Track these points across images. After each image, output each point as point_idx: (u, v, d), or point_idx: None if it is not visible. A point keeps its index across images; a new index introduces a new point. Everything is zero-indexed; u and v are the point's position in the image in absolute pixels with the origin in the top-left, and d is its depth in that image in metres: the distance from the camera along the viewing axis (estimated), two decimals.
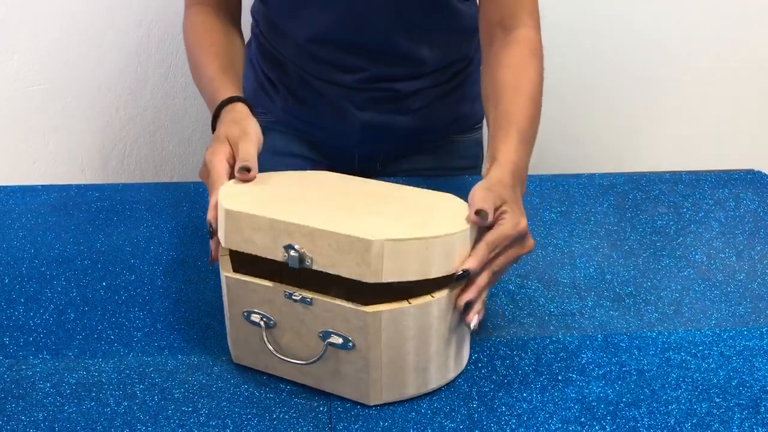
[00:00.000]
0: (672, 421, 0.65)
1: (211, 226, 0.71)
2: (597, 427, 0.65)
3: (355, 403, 0.67)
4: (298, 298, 0.64)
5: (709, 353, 0.73)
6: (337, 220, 0.64)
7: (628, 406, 0.67)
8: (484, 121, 1.07)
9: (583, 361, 0.72)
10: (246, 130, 0.77)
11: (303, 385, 0.69)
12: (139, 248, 0.88)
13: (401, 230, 0.63)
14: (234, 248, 0.67)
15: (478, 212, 0.66)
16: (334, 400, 0.67)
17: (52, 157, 1.41)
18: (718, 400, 0.68)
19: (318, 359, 0.65)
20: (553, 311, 0.79)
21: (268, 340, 0.66)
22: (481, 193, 0.68)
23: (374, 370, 0.65)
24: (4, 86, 1.35)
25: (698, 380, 0.70)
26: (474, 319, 0.65)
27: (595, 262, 0.87)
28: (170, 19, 1.35)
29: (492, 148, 0.76)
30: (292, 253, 0.63)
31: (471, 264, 0.65)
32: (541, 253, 0.89)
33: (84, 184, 1.01)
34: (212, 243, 0.72)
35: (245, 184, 0.72)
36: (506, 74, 0.81)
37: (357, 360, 0.65)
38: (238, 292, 0.67)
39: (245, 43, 1.09)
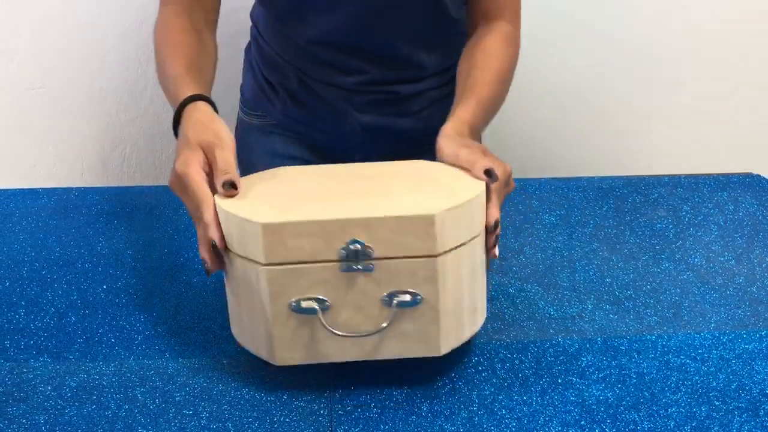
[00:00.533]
0: (672, 424, 0.65)
1: (215, 246, 0.66)
2: (597, 430, 0.65)
3: (356, 406, 0.67)
4: (360, 267, 0.64)
5: (709, 356, 0.73)
6: (382, 205, 0.64)
7: (627, 410, 0.67)
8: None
9: (583, 365, 0.72)
10: (219, 134, 0.71)
11: (304, 388, 0.69)
12: (140, 251, 0.88)
13: (447, 199, 0.65)
14: (276, 262, 0.64)
15: (488, 173, 0.69)
16: (335, 402, 0.68)
17: (52, 159, 1.41)
18: (717, 403, 0.68)
19: (388, 324, 0.65)
20: (553, 314, 0.79)
21: (326, 324, 0.64)
22: (466, 152, 0.72)
23: (443, 318, 0.66)
24: (4, 88, 1.35)
25: (698, 383, 0.70)
26: (497, 250, 0.72)
27: (594, 266, 0.88)
28: None
29: (451, 111, 0.81)
30: (354, 247, 0.62)
31: (497, 214, 0.70)
32: (541, 256, 0.89)
33: (84, 187, 1.02)
34: (215, 260, 0.67)
35: (246, 192, 0.69)
36: (479, 55, 0.88)
37: (425, 313, 0.65)
38: (285, 282, 0.64)
39: (247, 46, 1.10)
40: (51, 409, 0.66)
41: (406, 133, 1.03)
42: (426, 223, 0.63)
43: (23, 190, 1.00)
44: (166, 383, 0.69)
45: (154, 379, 0.70)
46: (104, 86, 1.38)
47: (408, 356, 0.67)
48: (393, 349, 0.67)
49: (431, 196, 0.67)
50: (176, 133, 0.77)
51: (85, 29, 1.33)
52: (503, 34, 0.91)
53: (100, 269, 0.85)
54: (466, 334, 0.70)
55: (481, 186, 0.68)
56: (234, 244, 0.66)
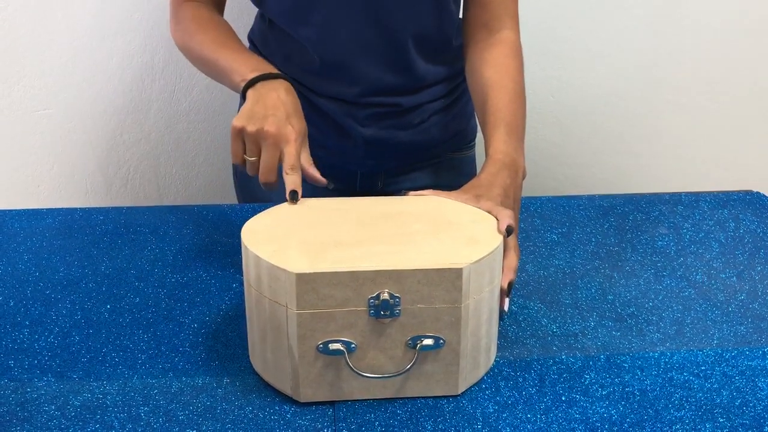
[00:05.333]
0: None
1: (295, 195, 0.78)
2: None
3: (360, 425, 0.67)
4: (387, 314, 0.66)
5: (712, 373, 0.73)
6: (409, 256, 0.67)
7: (632, 427, 0.67)
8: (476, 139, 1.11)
9: (587, 382, 0.72)
10: (306, 135, 0.84)
11: (307, 407, 0.69)
12: (143, 271, 0.89)
13: (471, 250, 0.68)
14: (306, 310, 0.65)
15: (507, 229, 0.74)
16: (339, 421, 0.68)
17: (56, 180, 1.42)
18: (721, 420, 0.68)
19: (411, 366, 0.67)
20: (556, 332, 0.79)
21: (352, 365, 0.67)
22: (491, 208, 0.77)
23: (462, 360, 0.69)
24: (10, 110, 1.37)
25: (701, 400, 0.70)
26: (507, 302, 0.77)
27: (596, 283, 0.88)
28: (174, 45, 1.36)
29: (485, 144, 0.87)
30: (383, 297, 0.65)
31: (512, 276, 0.76)
32: (543, 274, 0.89)
33: (88, 208, 1.02)
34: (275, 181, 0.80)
35: (270, 232, 0.71)
36: (490, 73, 0.92)
37: (446, 355, 0.68)
38: (314, 326, 0.66)
39: None
40: (55, 429, 0.66)
41: (406, 146, 1.04)
42: (453, 276, 0.66)
43: (28, 210, 1.01)
44: (169, 402, 0.69)
45: (157, 398, 0.70)
46: (108, 108, 1.39)
47: (427, 395, 0.69)
48: (414, 388, 0.69)
49: (454, 245, 0.69)
50: (256, 80, 0.85)
51: (90, 52, 1.35)
52: (509, 44, 0.94)
53: (104, 289, 0.85)
54: (482, 372, 0.72)
55: (497, 233, 0.72)
56: (264, 287, 0.67)
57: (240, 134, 0.81)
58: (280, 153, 0.80)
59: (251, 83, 0.85)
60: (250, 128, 0.80)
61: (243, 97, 0.86)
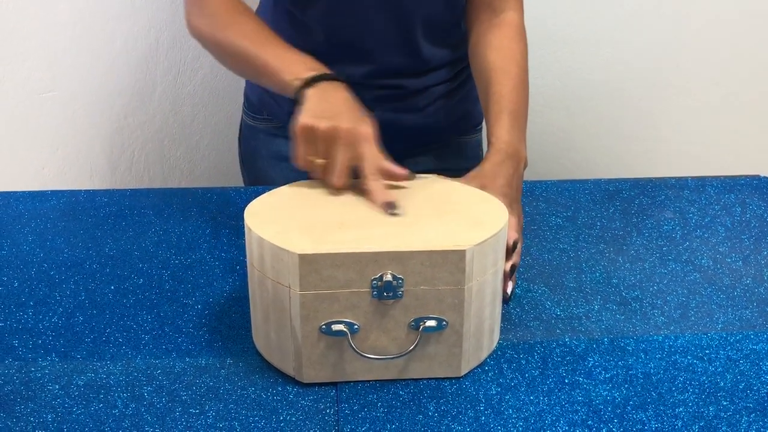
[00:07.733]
0: (679, 424, 0.65)
1: (394, 206, 0.71)
2: (604, 430, 0.65)
3: (362, 406, 0.67)
4: (389, 294, 0.66)
5: (716, 356, 0.73)
6: (413, 237, 0.66)
7: (635, 409, 0.67)
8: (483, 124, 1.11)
9: (590, 365, 0.72)
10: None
11: (310, 387, 0.69)
12: (147, 252, 0.89)
13: (475, 232, 0.68)
14: (309, 291, 0.65)
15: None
16: (341, 402, 0.68)
17: (61, 163, 1.42)
18: (725, 403, 0.68)
19: (414, 347, 0.67)
20: (560, 315, 0.79)
21: (355, 347, 0.67)
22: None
23: (465, 342, 0.69)
24: (14, 93, 1.37)
25: (705, 383, 0.70)
26: (510, 285, 0.78)
27: (601, 267, 0.87)
28: (178, 27, 1.36)
29: (488, 132, 0.87)
30: (386, 278, 0.65)
31: (516, 257, 0.77)
32: (548, 257, 0.89)
33: (92, 190, 1.02)
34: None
35: (274, 213, 0.71)
36: (495, 57, 0.91)
37: (449, 337, 0.68)
38: (317, 306, 0.66)
39: None
40: (59, 408, 0.66)
41: (411, 129, 1.03)
42: (457, 257, 0.65)
43: (32, 192, 1.01)
44: (172, 382, 0.69)
45: (161, 378, 0.70)
46: (113, 90, 1.39)
47: (430, 377, 0.69)
48: (416, 370, 0.69)
49: (458, 226, 0.69)
50: (316, 79, 0.80)
51: (94, 34, 1.34)
52: (513, 27, 0.93)
53: (107, 270, 0.86)
54: (484, 354, 0.72)
55: (504, 216, 0.72)
56: (267, 268, 0.67)
57: (309, 134, 0.74)
58: (355, 154, 0.74)
59: (311, 82, 0.80)
60: (322, 126, 0.74)
61: (295, 98, 0.80)
